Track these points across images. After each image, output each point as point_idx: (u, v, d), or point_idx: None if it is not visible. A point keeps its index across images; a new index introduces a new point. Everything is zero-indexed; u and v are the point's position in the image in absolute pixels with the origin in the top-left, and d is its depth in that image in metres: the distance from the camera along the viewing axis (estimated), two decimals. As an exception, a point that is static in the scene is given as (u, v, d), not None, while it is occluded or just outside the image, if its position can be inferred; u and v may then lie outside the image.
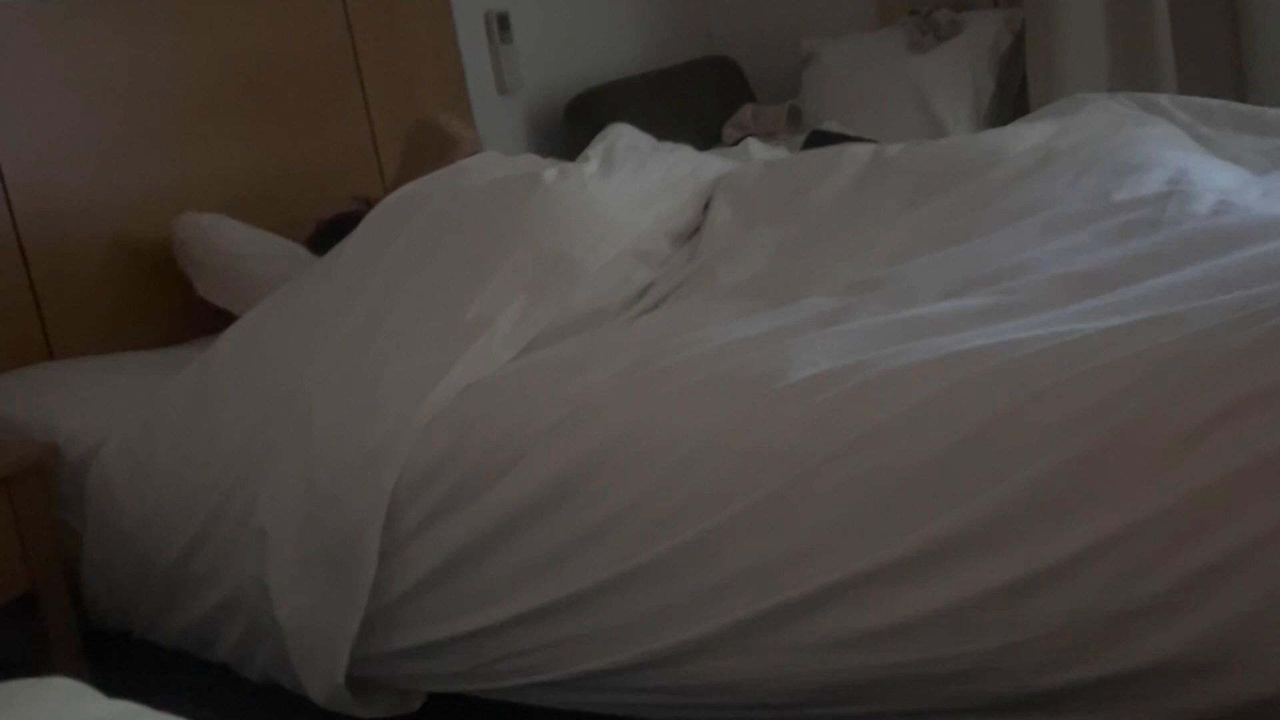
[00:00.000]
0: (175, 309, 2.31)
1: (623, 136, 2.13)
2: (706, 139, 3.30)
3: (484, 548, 1.43)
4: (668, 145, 2.19)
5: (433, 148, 2.21)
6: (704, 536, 1.28)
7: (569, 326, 1.70)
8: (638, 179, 1.98)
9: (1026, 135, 2.02)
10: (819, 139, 2.82)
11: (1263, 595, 1.03)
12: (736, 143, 3.25)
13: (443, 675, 1.53)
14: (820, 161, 2.09)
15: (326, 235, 2.19)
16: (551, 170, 1.90)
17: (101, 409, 1.90)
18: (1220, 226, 1.52)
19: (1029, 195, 1.77)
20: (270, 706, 1.67)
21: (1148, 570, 1.07)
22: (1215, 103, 2.27)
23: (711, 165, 2.13)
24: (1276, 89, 3.07)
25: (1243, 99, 3.04)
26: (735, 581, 1.26)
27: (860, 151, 2.08)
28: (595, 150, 2.07)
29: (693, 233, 2.02)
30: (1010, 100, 3.41)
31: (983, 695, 1.17)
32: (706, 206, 2.06)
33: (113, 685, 0.96)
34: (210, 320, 2.16)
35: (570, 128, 3.28)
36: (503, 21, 3.25)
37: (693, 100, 3.54)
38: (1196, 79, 3.11)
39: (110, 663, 1.84)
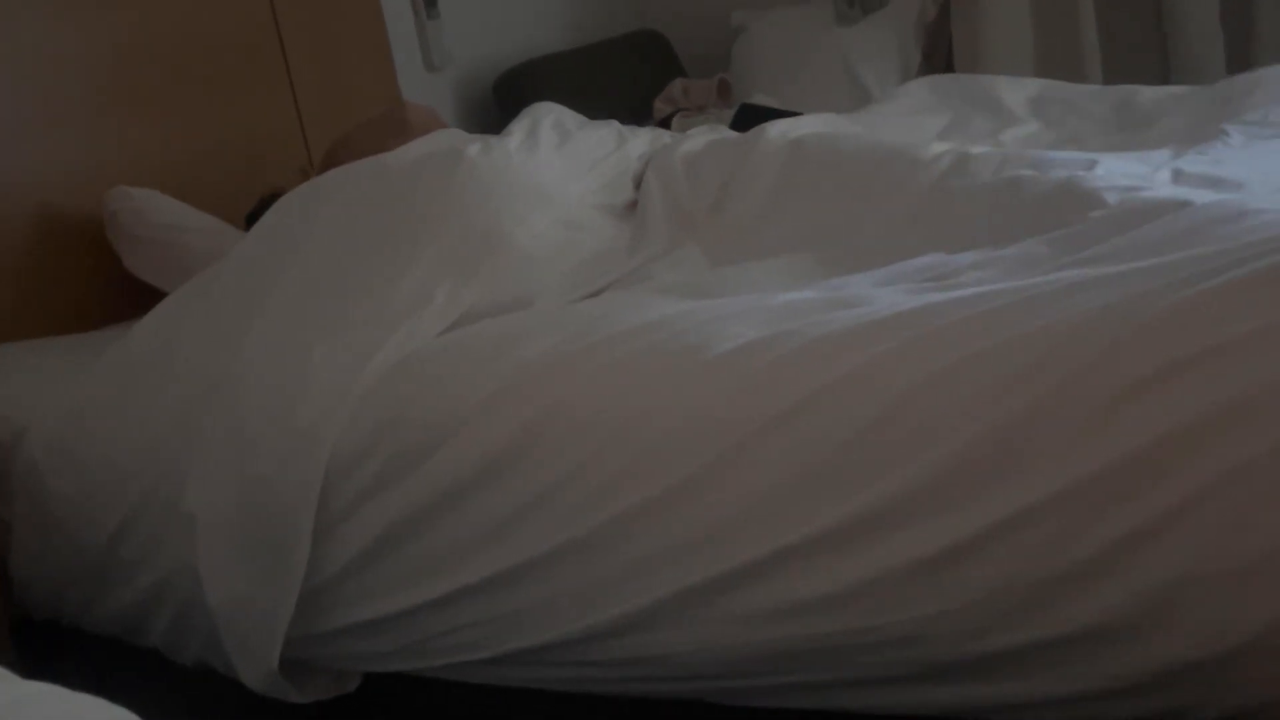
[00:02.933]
0: (95, 292, 2.27)
1: (548, 114, 2.12)
2: (637, 114, 3.30)
3: (417, 524, 1.43)
4: (594, 123, 2.17)
5: (379, 131, 2.18)
6: (636, 509, 1.28)
7: (504, 300, 1.69)
8: (561, 156, 1.97)
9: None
10: (748, 112, 2.83)
11: (1186, 560, 1.05)
12: (666, 120, 3.26)
13: (378, 654, 1.52)
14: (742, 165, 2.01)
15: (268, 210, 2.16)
16: (474, 145, 1.89)
17: (27, 394, 1.86)
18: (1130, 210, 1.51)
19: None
20: (203, 692, 1.65)
21: (1073, 537, 1.08)
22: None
23: (635, 147, 2.11)
24: (1199, 64, 3.11)
25: (1165, 75, 3.09)
26: (668, 554, 1.26)
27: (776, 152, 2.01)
28: (519, 126, 2.05)
29: (624, 208, 2.01)
30: (939, 70, 3.42)
31: (917, 662, 1.18)
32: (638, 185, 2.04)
33: (45, 674, 0.94)
34: (132, 303, 2.13)
35: (500, 104, 3.26)
36: (429, -3, 3.23)
37: (623, 75, 3.53)
38: (1122, 51, 3.15)
39: (44, 652, 1.82)
